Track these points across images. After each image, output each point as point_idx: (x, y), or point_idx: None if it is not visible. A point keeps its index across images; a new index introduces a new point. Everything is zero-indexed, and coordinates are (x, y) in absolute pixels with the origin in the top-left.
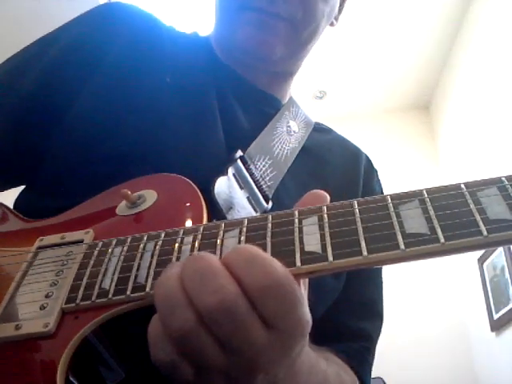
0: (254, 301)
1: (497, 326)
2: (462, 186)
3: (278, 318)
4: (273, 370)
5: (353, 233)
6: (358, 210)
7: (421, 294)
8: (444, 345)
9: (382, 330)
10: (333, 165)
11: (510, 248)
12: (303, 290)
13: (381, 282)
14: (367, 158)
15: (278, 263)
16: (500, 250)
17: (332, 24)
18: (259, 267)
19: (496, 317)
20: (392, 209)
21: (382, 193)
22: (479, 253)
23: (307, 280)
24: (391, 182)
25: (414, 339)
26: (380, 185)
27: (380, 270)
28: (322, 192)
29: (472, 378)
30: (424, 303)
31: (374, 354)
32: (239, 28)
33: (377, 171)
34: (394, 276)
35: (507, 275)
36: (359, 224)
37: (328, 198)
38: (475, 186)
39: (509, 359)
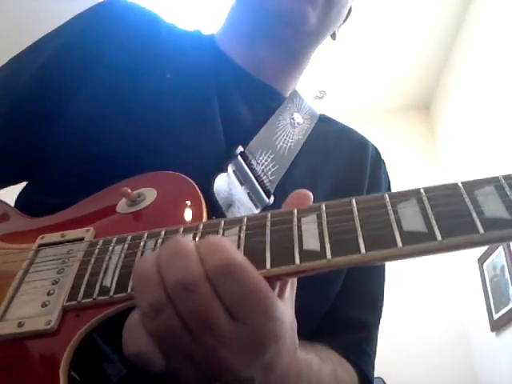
0: (214, 284)
1: (497, 326)
2: (460, 184)
3: (238, 306)
4: (244, 373)
5: (351, 231)
6: (356, 209)
7: (421, 294)
8: (444, 345)
9: (382, 330)
10: (339, 155)
11: (509, 248)
12: (288, 291)
13: (382, 273)
14: (374, 148)
15: (236, 251)
16: (500, 249)
17: (334, 35)
18: (218, 252)
19: (496, 317)
20: (390, 207)
21: (389, 184)
22: (479, 253)
23: (295, 281)
24: (391, 182)
25: (414, 339)
26: (387, 176)
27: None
28: (305, 192)
29: (472, 378)
30: (424, 303)
31: (374, 345)
32: None
33: (384, 162)
34: (394, 276)
35: (507, 275)
36: (357, 222)
37: (311, 197)
38: (472, 185)
39: (509, 359)
